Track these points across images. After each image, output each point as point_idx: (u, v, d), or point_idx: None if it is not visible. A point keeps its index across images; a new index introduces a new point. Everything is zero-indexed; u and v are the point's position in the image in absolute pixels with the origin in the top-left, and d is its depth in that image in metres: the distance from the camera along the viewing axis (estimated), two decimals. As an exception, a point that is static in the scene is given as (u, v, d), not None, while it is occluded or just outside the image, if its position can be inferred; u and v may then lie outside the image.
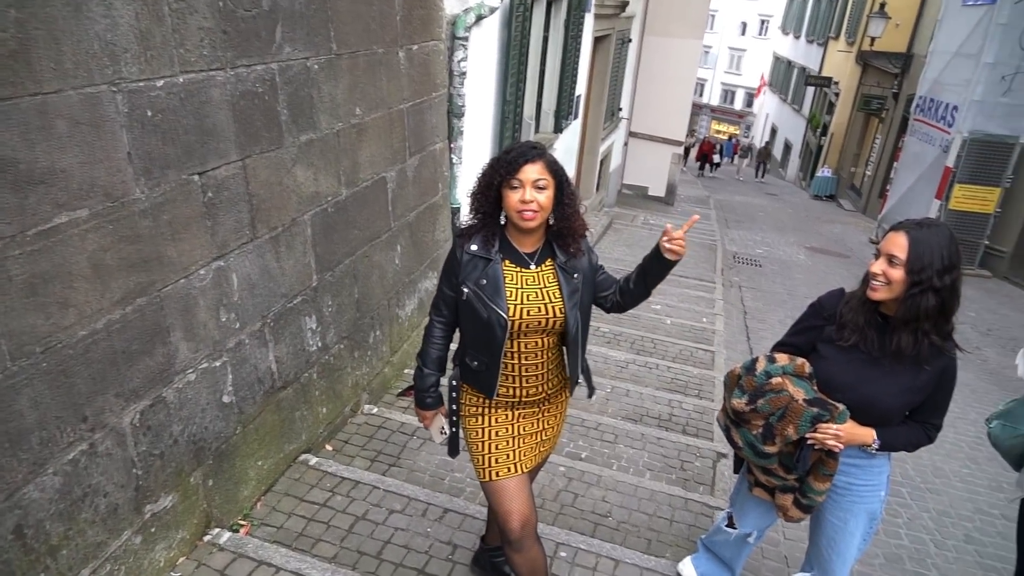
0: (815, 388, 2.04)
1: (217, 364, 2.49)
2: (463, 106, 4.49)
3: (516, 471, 2.13)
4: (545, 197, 1.94)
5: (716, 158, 25.07)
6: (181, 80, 2.12)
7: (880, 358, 1.97)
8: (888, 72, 16.46)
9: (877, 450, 2.06)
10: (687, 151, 22.47)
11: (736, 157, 27.80)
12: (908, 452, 2.14)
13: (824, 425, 1.97)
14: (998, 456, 2.34)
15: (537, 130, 7.10)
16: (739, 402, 2.10)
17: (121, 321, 2.02)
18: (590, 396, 2.46)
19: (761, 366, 2.10)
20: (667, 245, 1.97)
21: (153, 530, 2.27)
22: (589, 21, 8.13)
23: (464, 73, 4.41)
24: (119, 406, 2.05)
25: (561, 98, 7.49)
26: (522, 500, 2.11)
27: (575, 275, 2.10)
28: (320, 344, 3.19)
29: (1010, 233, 11.08)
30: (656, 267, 2.06)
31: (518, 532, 2.09)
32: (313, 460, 3.11)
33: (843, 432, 1.98)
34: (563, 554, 2.75)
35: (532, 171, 1.92)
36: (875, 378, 1.98)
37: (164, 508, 2.31)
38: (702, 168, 24.57)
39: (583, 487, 3.29)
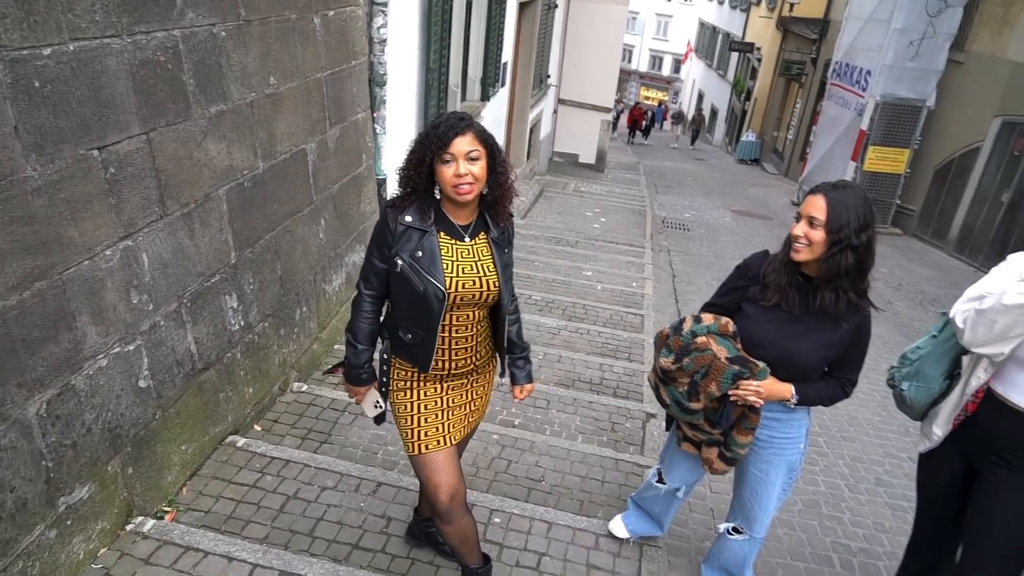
0: (738, 346, 2.11)
1: (131, 348, 2.39)
2: (385, 74, 4.39)
3: (445, 444, 2.13)
4: (479, 168, 1.92)
5: (646, 125, 25.03)
6: (71, 48, 1.99)
7: (800, 316, 2.06)
8: (807, 38, 16.93)
9: (796, 405, 2.15)
10: (617, 117, 22.47)
11: (670, 124, 27.67)
12: (825, 407, 2.24)
13: (745, 382, 2.05)
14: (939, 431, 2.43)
15: (463, 98, 7.00)
16: (666, 361, 2.17)
17: (18, 307, 1.90)
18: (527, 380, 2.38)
19: (687, 326, 2.17)
20: None
21: (69, 523, 2.18)
22: (514, -14, 8.04)
23: (385, 40, 4.30)
24: (22, 396, 1.95)
25: (487, 65, 7.41)
26: (451, 472, 2.12)
27: (506, 249, 2.12)
28: (243, 323, 3.10)
29: (919, 192, 11.66)
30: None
31: (447, 504, 2.11)
32: (241, 441, 3.04)
33: (763, 388, 2.06)
34: (497, 520, 2.79)
35: (463, 143, 1.89)
36: (795, 335, 2.06)
37: (80, 499, 2.22)
38: (632, 135, 24.48)
39: (516, 453, 3.33)
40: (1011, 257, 1.96)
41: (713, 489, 3.47)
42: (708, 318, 2.18)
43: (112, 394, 2.32)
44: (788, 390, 2.11)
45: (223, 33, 2.73)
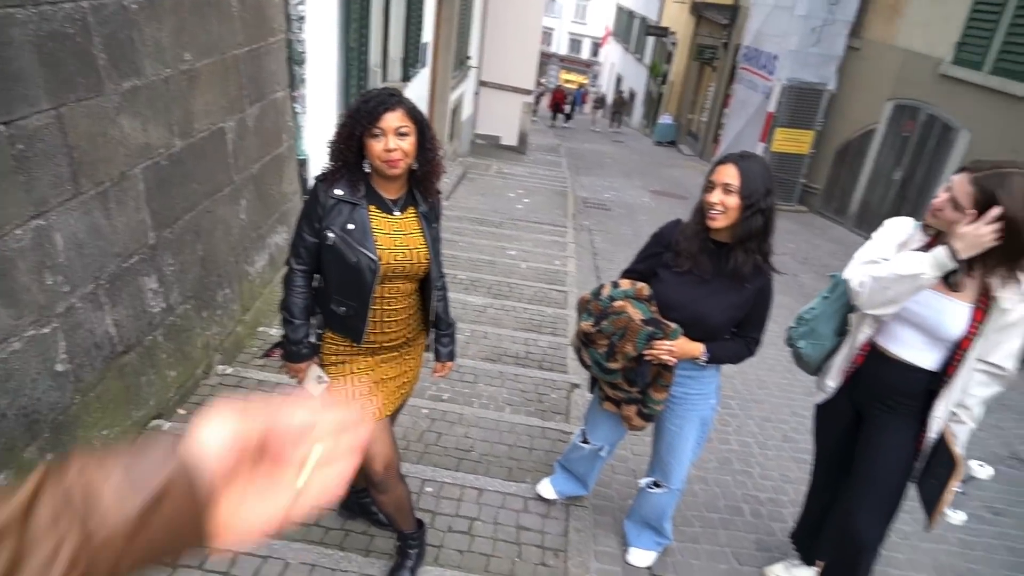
0: (653, 309, 2.26)
1: (46, 331, 2.32)
2: (304, 52, 4.33)
3: (378, 415, 2.19)
4: (408, 143, 1.96)
5: (568, 108, 25.05)
6: (-28, 18, 1.91)
7: (709, 280, 2.22)
8: (719, 23, 17.48)
9: (706, 363, 2.31)
10: (537, 100, 22.40)
11: (591, 108, 27.69)
12: (733, 364, 2.41)
13: (659, 342, 2.19)
14: (832, 383, 2.65)
15: (384, 79, 6.95)
16: (586, 324, 2.30)
17: (-75, 288, 1.84)
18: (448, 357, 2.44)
19: (606, 291, 2.31)
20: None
21: (-13, 510, 2.12)
22: (432, -35, 7.99)
23: (303, 17, 4.24)
24: (-68, 381, 1.88)
25: (408, 45, 7.37)
26: (384, 443, 2.18)
27: (434, 224, 2.17)
28: (164, 305, 3.04)
29: (822, 171, 12.33)
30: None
31: (381, 474, 2.17)
32: (166, 426, 3.00)
33: (676, 348, 2.21)
34: (429, 489, 2.87)
35: (393, 119, 1.92)
36: (704, 296, 2.22)
37: (-2, 486, 2.16)
38: (554, 118, 24.50)
39: (446, 426, 3.41)
40: (887, 223, 2.18)
41: (634, 452, 3.65)
42: (625, 283, 2.32)
43: (27, 378, 2.26)
44: (699, 349, 2.27)
45: (134, 6, 2.65)
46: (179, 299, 3.17)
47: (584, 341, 2.37)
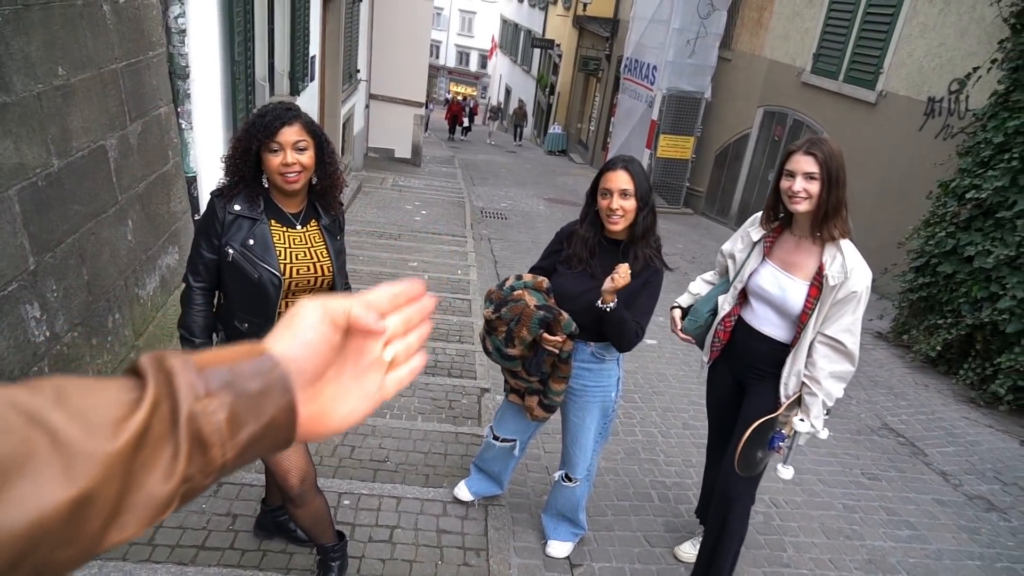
0: (550, 300, 2.39)
1: (-83, 367, 2.15)
2: (187, 67, 4.19)
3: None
4: (307, 157, 1.96)
5: (466, 120, 24.14)
6: None
7: (600, 275, 2.35)
8: (600, 36, 18.17)
9: (611, 310, 2.29)
10: (428, 115, 21.68)
11: (487, 120, 26.68)
12: (618, 345, 2.41)
13: (551, 337, 2.31)
14: (701, 356, 2.85)
15: (272, 92, 6.79)
16: (488, 311, 2.43)
17: None
18: None
19: (509, 282, 2.46)
20: None
21: None
22: (316, -22, 7.89)
23: (184, 30, 4.10)
24: None
25: (295, 59, 7.23)
26: (299, 457, 2.17)
27: (338, 236, 2.18)
28: (48, 333, 2.86)
29: (704, 175, 13.06)
30: None
31: (298, 488, 2.15)
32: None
33: (621, 273, 2.19)
34: (346, 502, 2.85)
35: (291, 133, 1.92)
36: (595, 287, 2.37)
37: None
38: (452, 131, 23.52)
39: (359, 439, 3.39)
40: (752, 217, 2.48)
41: (546, 450, 3.76)
42: (527, 276, 2.47)
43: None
44: (614, 299, 2.27)
45: None
46: (65, 327, 2.99)
47: (487, 329, 2.49)
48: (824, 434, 2.47)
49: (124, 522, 0.42)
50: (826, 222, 2.19)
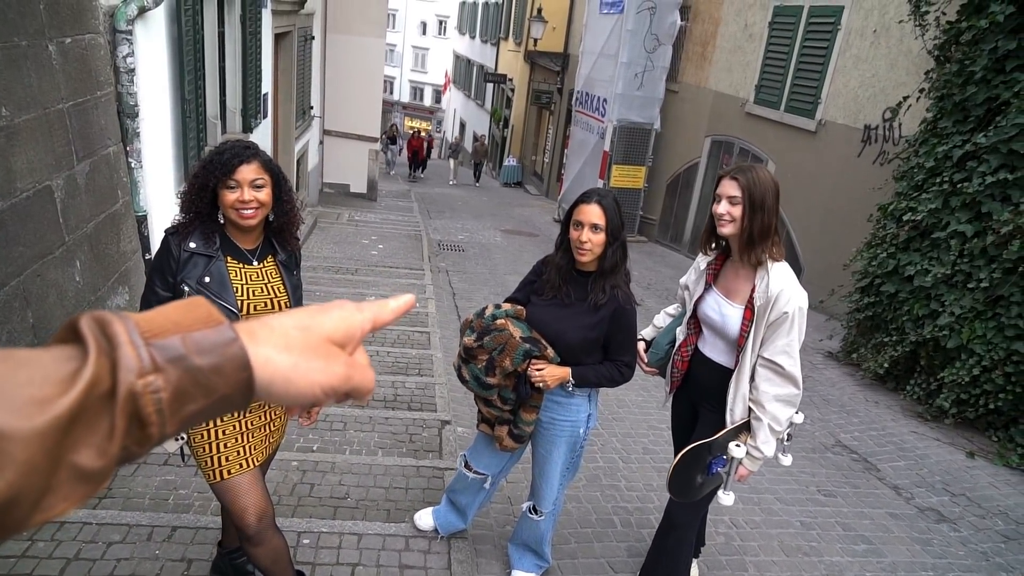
0: (534, 333, 2.42)
1: None
2: (136, 106, 4.15)
3: (248, 466, 2.13)
4: (264, 195, 1.97)
5: (425, 156, 22.09)
6: None
7: (570, 304, 2.42)
8: (551, 70, 18.56)
9: (574, 386, 2.46)
10: (386, 147, 20.62)
11: (446, 157, 24.20)
12: (610, 387, 2.54)
13: (536, 361, 2.34)
14: (663, 383, 2.89)
15: (224, 130, 6.75)
16: (469, 339, 2.43)
17: None
18: None
19: (489, 311, 2.47)
20: None
21: None
22: (267, 17, 7.92)
23: (133, 70, 4.08)
24: None
25: (247, 97, 7.22)
26: (257, 494, 2.13)
27: (295, 271, 2.19)
28: (-10, 380, 2.77)
29: (656, 203, 13.34)
30: None
31: (255, 526, 2.11)
32: None
33: (547, 372, 2.36)
34: (306, 541, 2.80)
35: (248, 171, 1.93)
36: (563, 317, 2.43)
37: None
38: (414, 169, 21.78)
39: (318, 476, 3.34)
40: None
41: (509, 480, 3.75)
42: (506, 305, 2.50)
43: None
44: (567, 372, 2.42)
45: (-58, 60, 2.46)
46: (8, 372, 2.90)
47: (465, 357, 2.48)
48: (787, 460, 2.52)
49: (51, 503, 0.39)
50: (752, 247, 2.25)
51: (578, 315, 2.42)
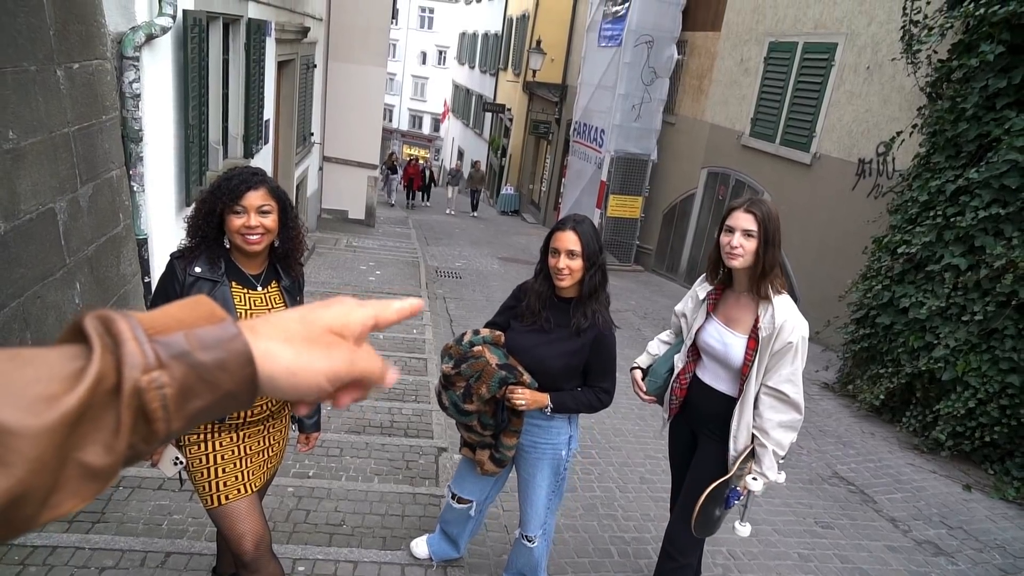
0: (510, 358, 2.42)
1: None
2: (140, 130, 4.20)
3: (245, 491, 2.13)
4: (270, 221, 1.99)
5: (425, 183, 21.52)
6: None
7: (550, 330, 2.42)
8: (550, 100, 18.80)
9: (553, 411, 2.47)
10: (386, 177, 20.22)
11: (445, 184, 23.00)
12: (589, 413, 2.58)
13: (513, 387, 2.34)
14: (660, 411, 2.91)
15: (226, 156, 6.81)
16: (447, 367, 2.44)
17: None
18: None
19: (467, 337, 2.48)
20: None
21: None
22: (271, 46, 8.03)
23: (138, 95, 4.13)
24: None
25: (249, 123, 7.29)
26: (254, 520, 2.12)
27: (298, 297, 2.20)
28: (-13, 401, 2.76)
29: (653, 233, 13.43)
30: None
31: (252, 553, 2.10)
32: None
33: (527, 396, 2.36)
34: (301, 568, 2.77)
35: (255, 197, 1.95)
36: (543, 343, 2.43)
37: None
38: (411, 197, 21.19)
39: (314, 502, 3.32)
40: (701, 276, 2.59)
41: (505, 508, 3.73)
42: (484, 331, 2.50)
43: None
44: (545, 398, 2.43)
45: (-46, 84, 2.50)
46: (5, 394, 2.89)
47: (444, 384, 2.50)
48: (781, 477, 2.53)
49: (59, 500, 0.40)
50: (763, 279, 2.28)
51: (559, 341, 2.43)
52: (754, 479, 2.33)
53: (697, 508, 2.36)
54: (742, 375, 2.35)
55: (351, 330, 0.55)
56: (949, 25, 6.00)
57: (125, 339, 0.41)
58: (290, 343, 0.51)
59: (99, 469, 0.41)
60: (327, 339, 0.53)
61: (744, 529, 2.45)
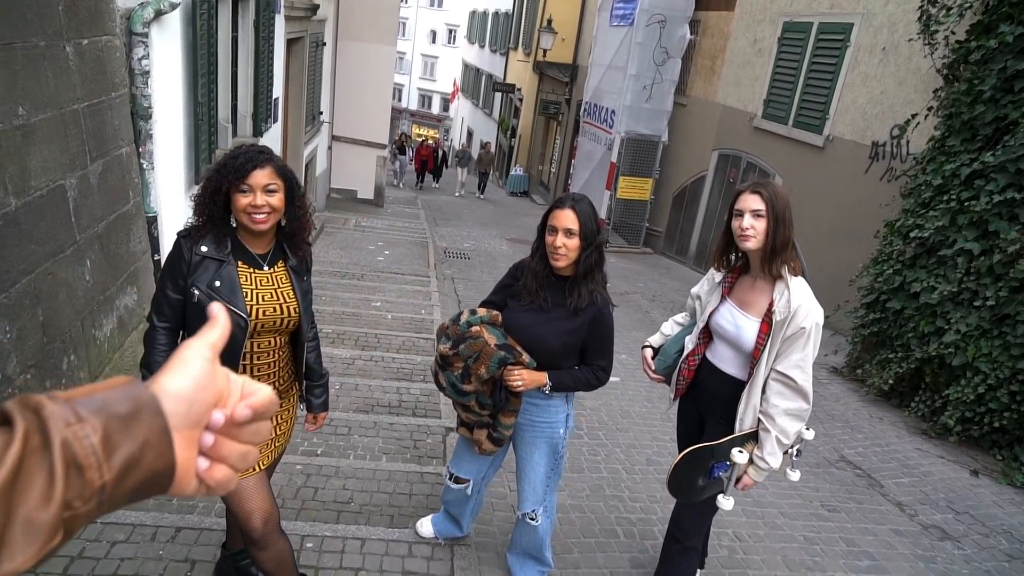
0: (508, 338, 2.41)
1: None
2: (150, 108, 4.19)
3: (253, 470, 2.14)
4: (276, 200, 1.98)
5: (436, 165, 21.42)
6: None
7: (549, 309, 2.42)
8: (560, 80, 18.63)
9: (551, 391, 2.45)
10: (395, 156, 20.06)
11: (455, 166, 22.09)
12: (586, 391, 2.56)
13: (511, 367, 2.34)
14: (667, 393, 2.91)
15: (235, 134, 6.80)
16: (444, 347, 2.43)
17: None
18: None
19: (464, 317, 2.46)
20: None
21: None
22: (280, 23, 7.99)
23: (147, 72, 4.12)
24: None
25: (258, 101, 7.27)
26: (262, 497, 2.14)
27: (305, 277, 2.19)
28: (0, 376, 2.78)
29: (662, 215, 13.36)
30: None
31: (261, 530, 2.11)
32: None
33: (524, 375, 2.36)
34: (309, 545, 2.80)
35: (262, 176, 1.94)
36: (542, 322, 2.42)
37: None
38: (422, 179, 21.14)
39: (322, 480, 3.34)
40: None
41: (511, 489, 3.74)
42: (482, 311, 2.49)
43: None
44: (543, 377, 2.42)
45: (-37, 59, 2.49)
46: (18, 369, 2.91)
47: (441, 364, 2.49)
48: (796, 476, 2.53)
49: (8, 556, 0.43)
50: (773, 259, 2.27)
51: (557, 320, 2.43)
52: (739, 452, 2.32)
53: (672, 466, 2.37)
54: (753, 358, 2.34)
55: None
56: (968, 5, 5.89)
57: (43, 403, 0.45)
58: (186, 375, 0.55)
59: (41, 523, 0.43)
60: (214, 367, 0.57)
61: (727, 503, 2.44)
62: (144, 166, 4.26)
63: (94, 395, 0.48)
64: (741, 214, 2.29)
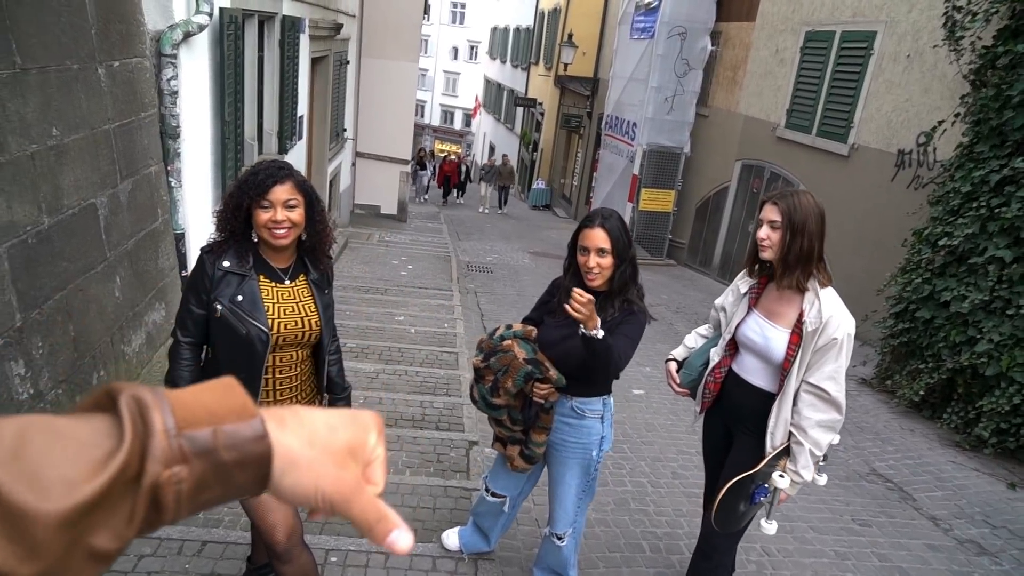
0: (537, 351, 2.41)
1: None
2: (178, 127, 4.28)
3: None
4: (297, 215, 2.00)
5: (460, 180, 21.31)
6: None
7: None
8: (581, 94, 18.68)
9: (594, 347, 2.18)
10: (415, 172, 19.88)
11: (479, 182, 21.32)
12: (605, 371, 2.30)
13: (538, 383, 2.33)
14: (692, 406, 2.88)
15: (260, 151, 6.90)
16: (476, 360, 2.46)
17: None
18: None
19: (499, 332, 2.49)
20: None
21: None
22: (305, 42, 8.12)
23: (176, 92, 4.21)
24: None
25: (283, 119, 7.38)
26: (285, 511, 2.15)
27: (326, 290, 2.21)
28: (32, 391, 2.84)
29: (685, 227, 13.28)
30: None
31: (285, 544, 2.12)
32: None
33: (584, 303, 2.10)
34: (334, 559, 2.80)
35: (282, 191, 1.97)
36: (570, 336, 2.36)
37: None
38: (446, 195, 20.96)
39: (347, 494, 3.35)
40: (743, 271, 2.52)
41: (536, 503, 3.72)
42: (517, 326, 2.50)
43: None
44: (597, 322, 2.18)
45: (-1, 82, 2.57)
46: (49, 384, 2.97)
47: (475, 377, 2.53)
48: (823, 480, 2.48)
49: None
50: (791, 270, 2.24)
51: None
52: (780, 476, 2.28)
53: (717, 500, 2.33)
54: (783, 370, 2.30)
55: (362, 455, 0.54)
56: (994, 10, 5.81)
57: (155, 431, 0.42)
58: (311, 447, 0.51)
59: (105, 553, 0.41)
60: (342, 457, 0.53)
61: (770, 527, 2.40)
62: (172, 184, 4.35)
63: (207, 427, 0.44)
64: (761, 224, 2.28)
